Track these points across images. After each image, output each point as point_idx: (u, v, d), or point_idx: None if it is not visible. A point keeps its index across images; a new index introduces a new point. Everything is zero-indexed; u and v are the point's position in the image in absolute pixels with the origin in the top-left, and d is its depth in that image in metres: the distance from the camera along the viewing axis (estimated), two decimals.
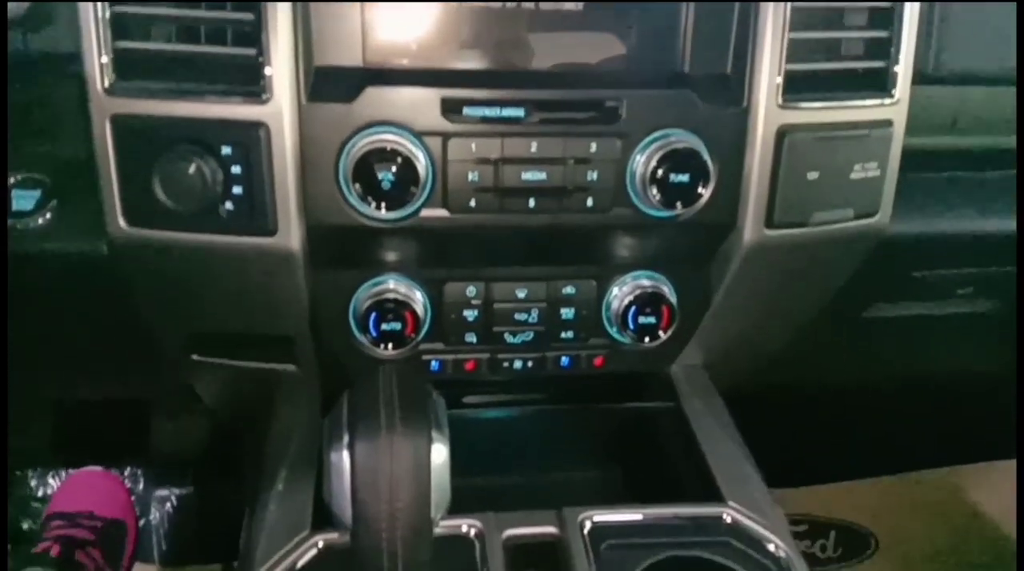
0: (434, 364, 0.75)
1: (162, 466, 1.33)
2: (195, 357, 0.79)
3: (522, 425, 0.87)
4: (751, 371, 0.93)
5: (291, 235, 0.64)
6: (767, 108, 0.67)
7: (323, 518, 0.67)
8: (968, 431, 1.48)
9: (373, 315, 0.69)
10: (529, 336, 0.74)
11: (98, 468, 1.26)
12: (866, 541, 1.41)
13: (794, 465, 0.87)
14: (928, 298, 0.91)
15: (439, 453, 0.52)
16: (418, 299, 0.71)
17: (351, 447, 0.50)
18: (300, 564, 0.64)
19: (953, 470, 1.51)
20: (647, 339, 0.74)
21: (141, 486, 1.33)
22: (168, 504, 1.32)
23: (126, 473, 1.33)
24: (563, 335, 0.75)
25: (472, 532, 0.67)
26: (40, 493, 1.28)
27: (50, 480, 1.29)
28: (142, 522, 1.31)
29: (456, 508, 0.63)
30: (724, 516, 0.70)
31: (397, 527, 0.50)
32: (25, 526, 1.26)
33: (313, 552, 0.65)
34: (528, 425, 0.87)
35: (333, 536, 0.65)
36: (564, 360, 0.77)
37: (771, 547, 0.68)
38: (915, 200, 0.79)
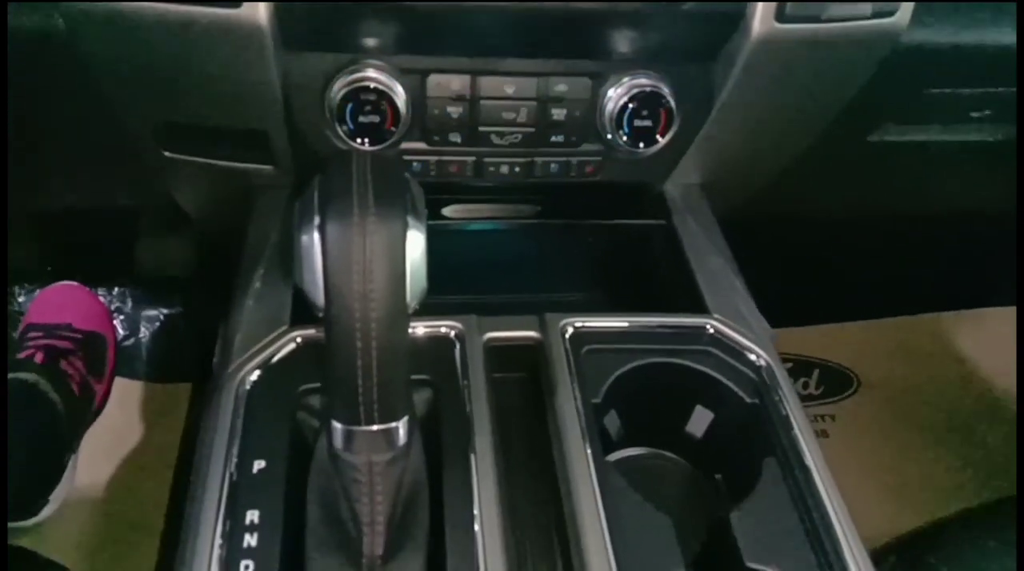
0: (416, 165, 0.72)
1: (150, 285, 1.33)
2: (168, 154, 0.75)
3: (508, 239, 0.85)
4: (748, 195, 0.90)
5: (257, 7, 0.59)
6: None
7: (302, 316, 0.66)
8: (960, 276, 1.48)
9: (349, 105, 0.65)
10: (517, 138, 0.71)
11: (73, 282, 1.24)
12: (848, 380, 1.44)
13: (784, 305, 0.86)
14: (939, 121, 0.87)
15: (415, 239, 0.49)
16: (399, 91, 0.66)
17: (322, 228, 0.48)
18: (277, 358, 0.64)
19: (941, 315, 1.52)
20: (642, 144, 0.70)
21: (129, 305, 1.33)
22: (157, 323, 1.33)
23: (114, 292, 1.33)
24: (553, 138, 0.71)
25: (452, 333, 0.66)
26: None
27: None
28: (131, 341, 1.32)
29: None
30: (707, 326, 0.69)
31: (370, 309, 0.48)
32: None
33: (291, 346, 0.64)
34: (514, 240, 0.85)
35: (311, 331, 0.65)
36: (553, 166, 0.73)
37: (752, 357, 0.68)
38: (937, 6, 0.74)
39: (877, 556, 0.59)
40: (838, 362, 1.46)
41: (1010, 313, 1.47)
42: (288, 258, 0.71)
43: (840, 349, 1.47)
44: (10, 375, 1.06)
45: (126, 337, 1.33)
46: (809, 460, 0.61)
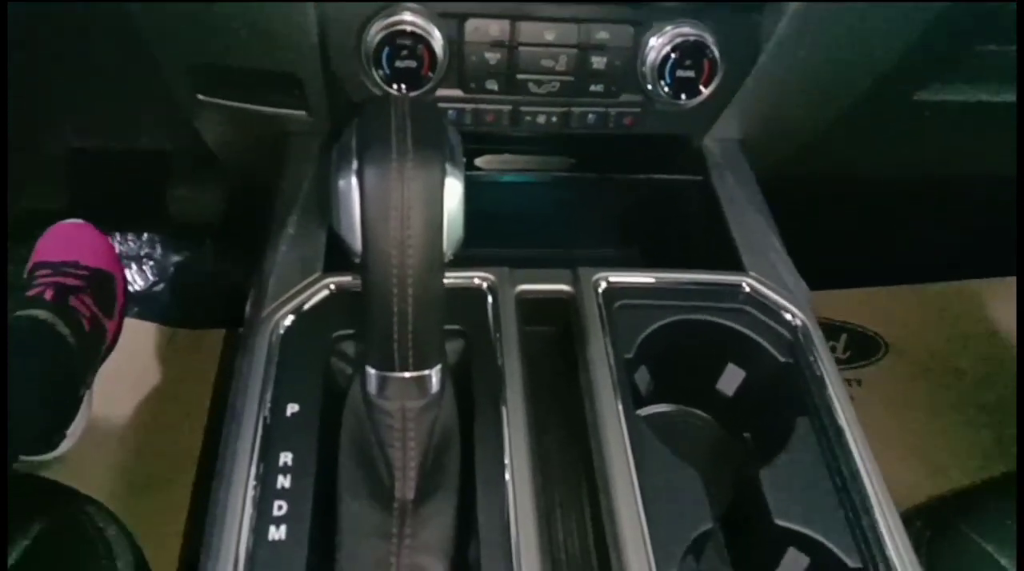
0: (451, 113, 0.71)
1: (180, 232, 1.34)
2: (201, 97, 0.75)
3: (542, 192, 0.84)
4: (788, 153, 0.88)
5: None
6: None
7: (335, 263, 0.66)
8: (996, 243, 1.45)
9: (386, 50, 0.64)
10: (555, 86, 0.69)
11: (79, 220, 1.24)
12: (876, 345, 1.43)
13: (815, 267, 0.86)
14: (987, 79, 0.84)
15: (452, 187, 0.48)
16: (436, 36, 0.65)
17: (360, 173, 0.47)
18: (310, 304, 0.64)
19: (974, 283, 1.50)
20: (684, 96, 0.68)
21: (159, 251, 1.34)
22: (186, 270, 1.34)
23: (144, 238, 1.34)
24: (593, 87, 0.69)
25: (485, 285, 0.66)
26: None
27: None
28: (160, 287, 1.33)
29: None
30: (743, 284, 0.68)
31: (407, 256, 0.48)
32: None
33: (324, 293, 0.64)
34: (548, 192, 0.84)
35: (345, 278, 0.65)
36: (591, 117, 0.72)
37: (787, 316, 0.67)
38: None
39: (905, 519, 0.59)
40: (867, 327, 1.45)
41: None
42: (321, 205, 0.71)
43: (870, 314, 1.45)
44: (21, 312, 1.06)
45: (155, 283, 1.34)
46: (842, 420, 0.60)
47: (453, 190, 0.48)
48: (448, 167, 0.48)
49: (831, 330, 1.43)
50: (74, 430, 1.10)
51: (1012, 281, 1.50)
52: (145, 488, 1.08)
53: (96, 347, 1.15)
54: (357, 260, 0.49)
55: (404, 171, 0.46)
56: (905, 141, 0.96)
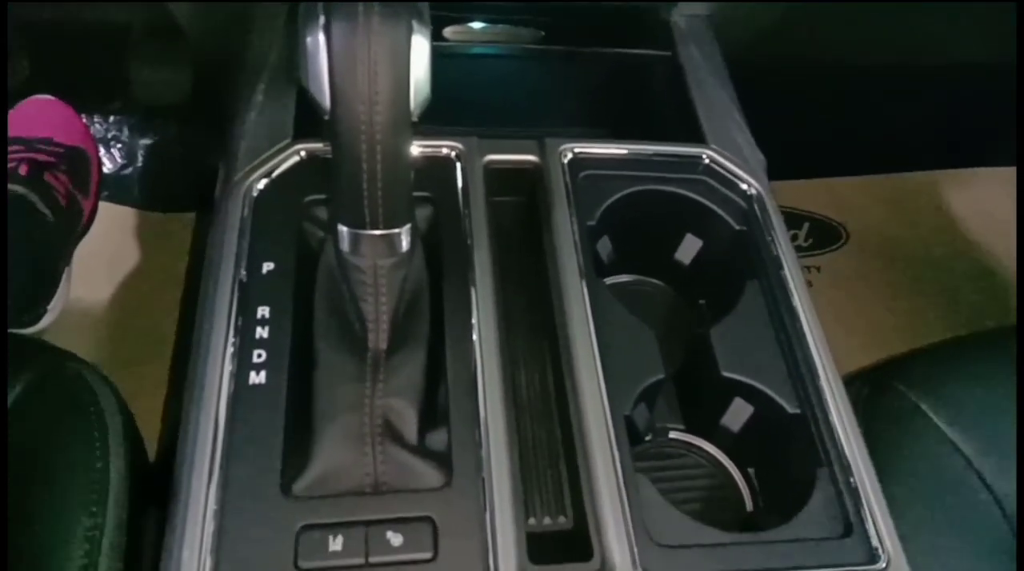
0: None
1: (148, 113, 1.31)
2: None
3: (510, 66, 0.84)
4: (755, 32, 0.89)
5: None
6: None
7: (304, 130, 0.67)
8: (959, 134, 1.48)
9: None
10: None
11: (50, 96, 1.20)
12: (837, 233, 1.47)
13: (779, 156, 0.87)
14: None
15: (419, 44, 0.49)
16: None
17: (327, 28, 0.48)
18: (282, 169, 0.65)
19: (935, 173, 1.53)
20: None
21: (126, 133, 1.32)
22: (155, 152, 1.32)
23: (111, 120, 1.32)
24: None
25: (453, 154, 0.67)
26: None
27: None
28: (129, 170, 1.32)
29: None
30: (703, 156, 0.71)
31: (376, 112, 0.49)
32: None
33: (295, 159, 0.65)
34: (516, 66, 0.84)
35: (316, 145, 0.65)
36: None
37: (744, 186, 0.70)
38: None
39: (845, 381, 0.63)
40: (828, 215, 1.48)
41: (1005, 173, 1.48)
42: (289, 73, 0.71)
43: (832, 203, 1.48)
44: None
45: (124, 166, 1.33)
46: (789, 282, 0.64)
47: (420, 47, 0.49)
48: (415, 24, 0.48)
49: (793, 219, 1.46)
50: (55, 305, 1.11)
51: (973, 172, 1.54)
52: (127, 362, 1.11)
53: (73, 224, 1.14)
54: (327, 117, 0.50)
55: (371, 25, 0.47)
56: (868, 26, 0.97)
